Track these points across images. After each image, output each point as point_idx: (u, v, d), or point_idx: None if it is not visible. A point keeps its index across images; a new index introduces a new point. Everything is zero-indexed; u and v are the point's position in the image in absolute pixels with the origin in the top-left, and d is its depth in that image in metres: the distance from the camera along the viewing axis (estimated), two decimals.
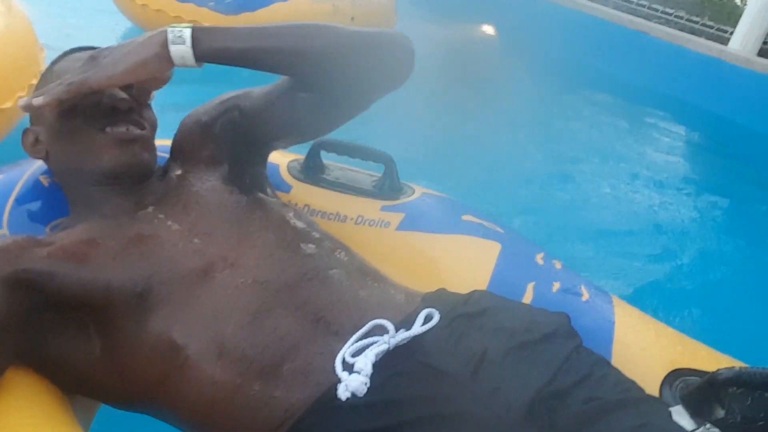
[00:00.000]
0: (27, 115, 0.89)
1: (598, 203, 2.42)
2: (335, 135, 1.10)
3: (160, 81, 0.86)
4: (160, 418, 0.76)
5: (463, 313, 0.75)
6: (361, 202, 1.04)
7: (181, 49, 0.78)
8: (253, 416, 0.69)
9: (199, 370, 0.71)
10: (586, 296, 0.91)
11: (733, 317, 1.77)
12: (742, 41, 3.69)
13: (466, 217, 1.03)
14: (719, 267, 2.13)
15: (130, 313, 0.73)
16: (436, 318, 0.72)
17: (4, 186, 0.90)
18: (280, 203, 0.91)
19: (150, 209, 0.84)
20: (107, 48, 0.82)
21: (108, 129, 0.82)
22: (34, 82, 1.47)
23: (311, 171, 1.08)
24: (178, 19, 2.39)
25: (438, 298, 0.79)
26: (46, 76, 0.88)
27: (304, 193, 1.05)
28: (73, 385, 0.76)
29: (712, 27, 3.95)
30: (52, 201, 0.91)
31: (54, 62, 0.90)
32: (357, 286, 0.78)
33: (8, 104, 1.32)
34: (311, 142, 1.08)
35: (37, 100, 0.80)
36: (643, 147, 3.14)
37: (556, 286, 0.92)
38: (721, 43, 3.80)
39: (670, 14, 4.16)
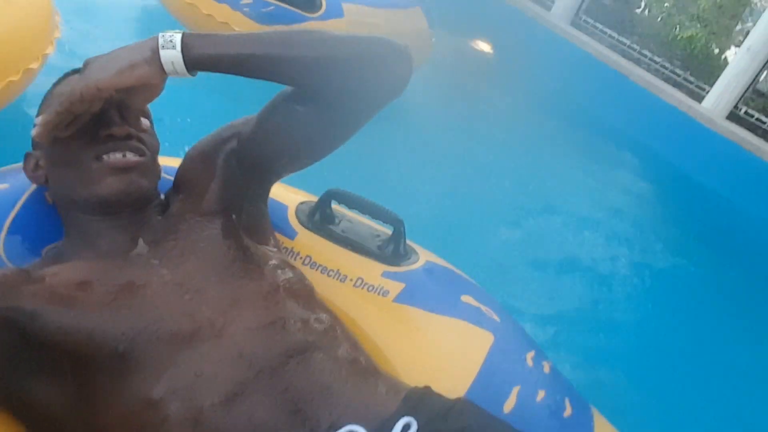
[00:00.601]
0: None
1: (543, 240, 2.46)
2: (349, 186, 1.09)
3: (150, 91, 0.80)
4: None
5: (442, 429, 0.74)
6: (364, 264, 1.03)
7: (171, 54, 0.76)
8: None
9: None
10: (568, 411, 0.91)
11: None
12: (715, 101, 3.72)
13: (465, 298, 1.02)
14: (648, 323, 2.19)
15: (108, 368, 0.72)
16: (414, 429, 0.72)
17: (5, 199, 0.88)
18: (279, 264, 0.89)
19: (145, 251, 0.83)
20: (98, 55, 0.79)
21: (104, 157, 0.80)
22: (48, 52, 1.42)
23: (320, 219, 1.06)
24: (210, 18, 2.33)
25: (420, 402, 0.77)
26: (47, 99, 0.86)
27: (308, 243, 1.03)
28: (42, 430, 0.76)
29: (692, 82, 4.00)
30: (53, 219, 0.89)
31: (54, 84, 0.88)
32: (342, 378, 0.77)
33: (16, 77, 1.27)
34: (323, 190, 1.06)
35: (34, 131, 0.79)
36: (604, 189, 3.19)
37: (541, 394, 0.91)
38: (698, 99, 3.84)
39: (657, 62, 4.20)
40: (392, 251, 1.04)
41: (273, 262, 0.87)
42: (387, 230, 1.09)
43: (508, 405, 0.89)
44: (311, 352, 0.77)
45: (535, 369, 0.95)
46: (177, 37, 0.76)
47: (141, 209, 0.85)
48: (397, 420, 0.72)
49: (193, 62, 0.77)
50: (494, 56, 4.48)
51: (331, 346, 0.79)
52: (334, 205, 1.09)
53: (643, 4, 4.80)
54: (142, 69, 0.76)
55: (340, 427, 0.70)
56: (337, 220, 1.08)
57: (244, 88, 1.12)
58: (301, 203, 1.09)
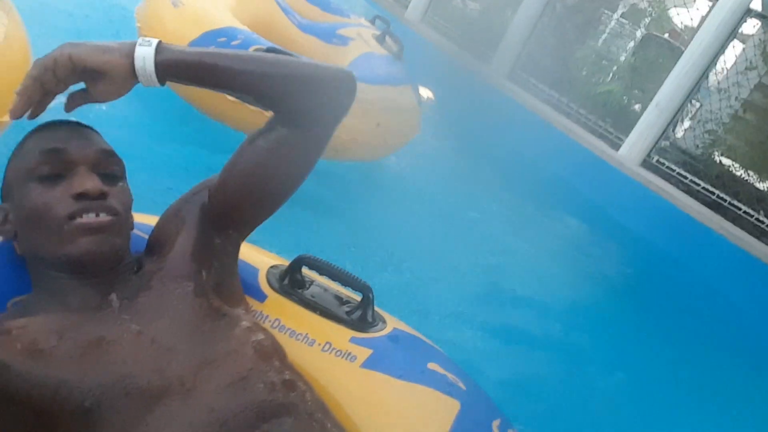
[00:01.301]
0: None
1: (498, 291, 2.53)
2: (319, 251, 1.11)
3: (114, 85, 0.83)
4: None
5: None
6: (332, 329, 1.03)
7: (145, 50, 0.82)
8: None
9: None
10: None
11: None
12: (629, 150, 4.04)
13: (431, 365, 1.03)
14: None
15: (74, 425, 0.70)
16: None
17: None
18: (250, 326, 0.88)
19: (117, 307, 0.82)
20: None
21: (78, 217, 0.80)
22: None
23: (290, 284, 1.07)
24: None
25: None
26: (28, 142, 0.86)
27: (277, 306, 1.04)
28: None
29: (611, 133, 4.36)
30: (20, 271, 0.88)
31: (38, 127, 0.87)
32: None
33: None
34: (295, 256, 1.08)
35: (11, 105, 0.80)
36: (542, 232, 3.33)
37: None
38: (615, 148, 4.18)
39: (582, 114, 4.57)
40: (360, 317, 1.05)
41: (244, 323, 0.87)
42: (356, 297, 1.11)
43: None
44: (283, 416, 0.76)
45: None
46: (155, 41, 0.83)
47: (113, 267, 0.85)
48: None
49: (163, 64, 0.82)
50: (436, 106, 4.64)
51: (302, 411, 0.79)
52: (305, 270, 1.11)
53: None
54: (113, 55, 0.81)
55: None
56: (307, 285, 1.09)
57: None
58: (272, 267, 1.10)
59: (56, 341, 0.74)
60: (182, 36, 2.23)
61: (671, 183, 3.91)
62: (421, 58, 4.19)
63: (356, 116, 2.28)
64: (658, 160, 4.02)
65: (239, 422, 0.73)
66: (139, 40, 0.83)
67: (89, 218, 0.81)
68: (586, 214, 3.70)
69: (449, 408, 0.96)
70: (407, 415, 0.95)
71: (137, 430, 0.71)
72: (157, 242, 0.93)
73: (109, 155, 0.88)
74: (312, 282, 1.11)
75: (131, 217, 0.91)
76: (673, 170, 3.98)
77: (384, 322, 1.09)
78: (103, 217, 0.82)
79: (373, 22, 3.17)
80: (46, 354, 0.73)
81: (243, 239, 0.99)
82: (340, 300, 1.10)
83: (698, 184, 3.92)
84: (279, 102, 0.90)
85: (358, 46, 2.82)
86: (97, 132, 0.91)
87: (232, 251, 0.98)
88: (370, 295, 1.06)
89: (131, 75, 0.82)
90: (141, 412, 0.72)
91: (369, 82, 2.45)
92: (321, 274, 1.08)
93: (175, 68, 0.84)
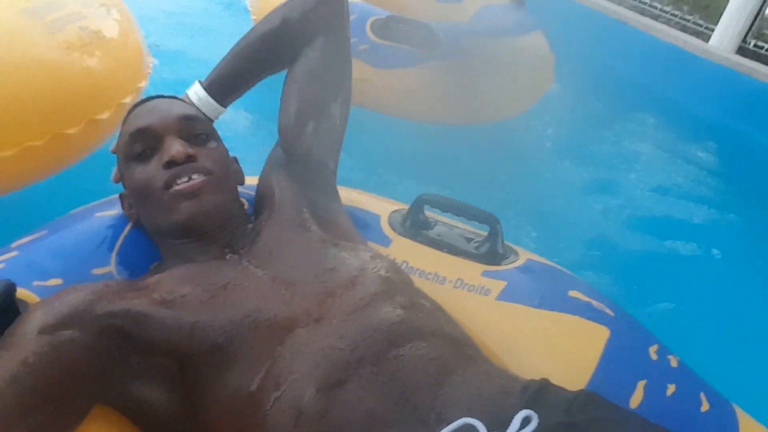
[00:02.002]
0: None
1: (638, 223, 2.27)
2: (441, 190, 1.07)
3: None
4: None
5: (565, 421, 0.67)
6: (462, 265, 0.99)
7: (194, 88, 0.99)
8: None
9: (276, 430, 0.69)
10: (705, 406, 0.81)
11: None
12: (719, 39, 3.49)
13: (572, 293, 0.95)
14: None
15: (211, 363, 0.72)
16: (534, 423, 0.65)
17: (115, 223, 0.92)
18: (372, 255, 0.87)
19: (237, 255, 0.85)
20: None
21: (173, 187, 0.83)
22: (142, 84, 1.52)
23: (413, 225, 1.05)
24: None
25: (539, 395, 0.71)
26: (123, 128, 0.92)
27: (403, 249, 1.01)
28: (154, 430, 0.76)
29: (701, 25, 3.77)
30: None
31: (129, 112, 0.94)
32: (451, 367, 0.73)
33: (106, 114, 1.34)
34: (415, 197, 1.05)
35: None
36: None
37: (671, 389, 0.82)
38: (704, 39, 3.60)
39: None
40: (490, 250, 1.00)
41: (362, 253, 0.86)
42: (482, 233, 1.06)
43: (635, 400, 0.81)
44: (415, 340, 0.73)
45: (660, 363, 0.86)
46: (197, 82, 1.00)
47: (225, 223, 0.88)
48: (516, 413, 0.66)
49: (209, 85, 0.98)
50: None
51: (435, 334, 0.75)
52: (427, 212, 1.08)
53: None
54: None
55: (452, 420, 0.65)
56: (431, 225, 1.06)
57: None
58: (394, 212, 1.08)
59: (187, 290, 0.77)
60: None
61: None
62: None
63: (487, 74, 2.14)
64: (756, 44, 3.47)
65: (370, 346, 0.71)
66: (187, 89, 0.99)
67: (183, 184, 0.83)
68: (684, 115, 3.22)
69: (597, 335, 0.89)
70: (551, 345, 0.89)
71: (269, 361, 0.71)
72: (261, 197, 0.98)
73: (191, 119, 0.90)
74: (436, 222, 1.08)
75: (232, 172, 0.94)
76: None
77: (516, 254, 1.03)
78: (196, 179, 0.84)
79: None
80: (178, 302, 0.76)
81: (332, 173, 1.02)
82: (467, 237, 1.05)
83: None
84: (280, 47, 1.01)
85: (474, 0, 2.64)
86: (178, 98, 0.96)
87: (326, 187, 1.01)
88: (498, 227, 1.00)
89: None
90: (272, 344, 0.72)
91: (495, 36, 2.26)
92: (444, 211, 1.04)
93: (224, 87, 0.99)
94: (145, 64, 1.56)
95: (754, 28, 3.49)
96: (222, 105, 0.99)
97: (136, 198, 0.89)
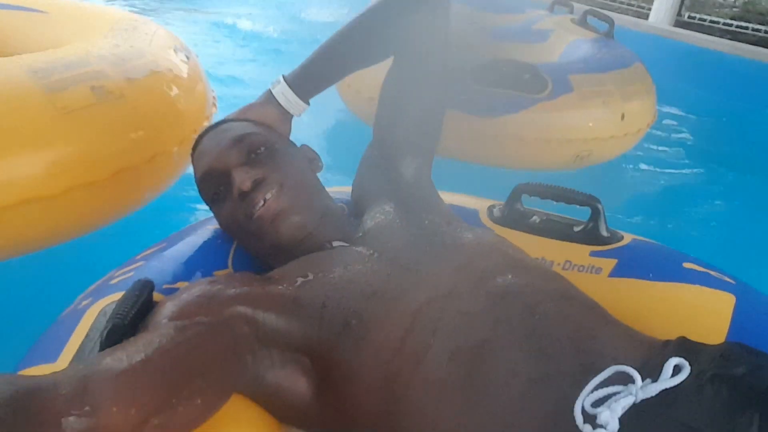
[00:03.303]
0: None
1: None
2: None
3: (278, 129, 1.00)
4: None
5: (721, 370, 0.65)
6: (568, 248, 0.99)
7: (280, 88, 1.01)
8: None
9: (420, 405, 0.68)
10: None
11: None
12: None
13: (687, 265, 0.93)
14: None
15: (344, 346, 0.72)
16: (686, 371, 0.63)
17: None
18: (483, 231, 0.89)
19: (350, 243, 0.87)
20: None
21: (255, 215, 0.85)
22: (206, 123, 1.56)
23: (512, 216, 1.05)
24: None
25: (684, 347, 0.69)
26: (192, 158, 0.95)
27: (505, 238, 1.01)
28: (289, 417, 0.77)
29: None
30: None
31: (197, 142, 0.96)
32: (588, 325, 0.72)
33: (175, 148, 1.35)
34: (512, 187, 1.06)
35: None
36: None
37: None
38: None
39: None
40: (594, 232, 0.99)
41: (476, 231, 0.87)
42: (583, 221, 1.05)
43: None
44: (546, 302, 0.72)
45: None
46: (279, 78, 1.02)
47: (323, 218, 0.90)
48: (666, 360, 0.64)
49: (300, 87, 1.00)
50: None
51: (565, 296, 0.75)
52: (526, 207, 1.08)
53: None
54: (260, 109, 1.00)
55: (600, 370, 0.64)
56: (530, 216, 1.06)
57: None
58: (490, 206, 1.09)
59: (310, 276, 0.79)
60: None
61: None
62: None
63: (597, 112, 1.94)
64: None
65: (503, 310, 0.70)
66: (270, 86, 1.02)
67: (260, 209, 0.85)
68: None
69: (723, 301, 0.86)
70: (676, 314, 0.86)
71: (404, 335, 0.71)
72: (360, 196, 1.02)
73: (243, 140, 0.89)
74: (534, 213, 1.08)
75: (306, 164, 0.96)
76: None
77: (620, 236, 1.02)
78: (270, 197, 0.85)
79: (551, 9, 2.79)
80: (304, 287, 0.77)
81: (426, 165, 1.04)
82: (569, 223, 1.05)
83: None
84: (386, 44, 1.02)
85: (561, 36, 2.48)
86: (227, 125, 0.95)
87: (422, 179, 1.02)
88: (600, 207, 1.00)
89: (284, 114, 1.00)
90: (403, 320, 0.72)
91: (601, 71, 2.07)
92: (543, 198, 1.04)
93: (309, 83, 1.01)
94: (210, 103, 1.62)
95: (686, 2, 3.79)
96: (305, 101, 1.01)
97: (231, 234, 0.94)
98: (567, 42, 2.40)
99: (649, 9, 4.08)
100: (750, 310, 0.84)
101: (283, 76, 1.01)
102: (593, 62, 2.15)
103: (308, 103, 1.03)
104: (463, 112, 1.80)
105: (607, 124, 1.96)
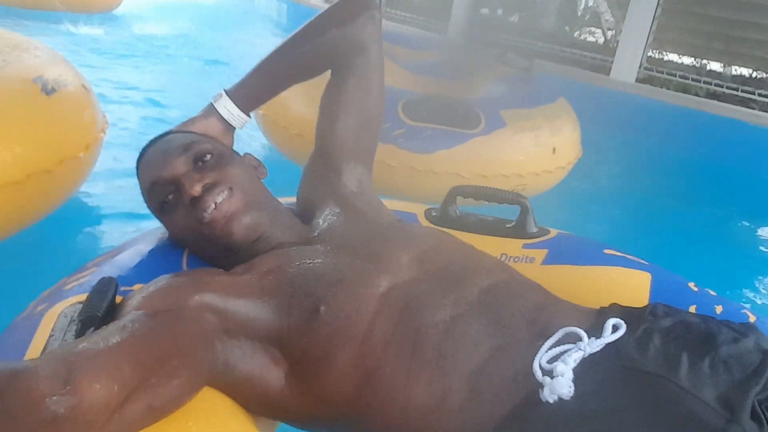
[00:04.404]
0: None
1: None
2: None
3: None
4: None
5: (652, 324, 0.75)
6: (502, 242, 1.08)
7: (223, 102, 1.01)
8: (447, 424, 0.70)
9: (392, 378, 0.73)
10: (752, 318, 0.89)
11: None
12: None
13: (607, 251, 1.05)
14: None
15: (314, 331, 0.76)
16: (624, 326, 0.73)
17: None
18: (432, 229, 0.97)
19: (308, 242, 0.91)
20: None
21: (206, 218, 0.86)
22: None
23: (448, 217, 1.13)
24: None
25: (618, 310, 0.79)
26: (138, 169, 0.95)
27: None
28: (261, 407, 0.78)
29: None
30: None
31: (141, 153, 0.96)
32: (539, 300, 0.81)
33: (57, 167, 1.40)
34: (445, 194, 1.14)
35: None
36: None
37: (719, 309, 0.91)
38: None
39: None
40: (525, 227, 1.09)
41: (426, 228, 0.95)
42: (512, 220, 1.15)
43: None
44: (501, 284, 0.81)
45: (702, 292, 0.95)
46: (221, 92, 1.02)
47: (274, 217, 0.93)
48: (605, 321, 0.73)
49: (242, 100, 1.01)
50: None
51: (513, 275, 0.84)
52: (459, 211, 1.16)
53: None
54: (202, 122, 1.00)
55: (552, 335, 0.72)
56: (466, 217, 1.15)
57: None
58: (428, 209, 1.16)
59: (275, 268, 0.82)
60: None
61: None
62: None
63: (530, 146, 1.99)
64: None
65: (462, 290, 0.79)
66: (212, 100, 1.02)
67: (212, 213, 0.86)
68: None
69: (641, 279, 0.97)
70: (604, 292, 0.96)
71: (372, 318, 0.76)
72: (305, 202, 1.05)
73: (190, 148, 0.91)
74: (468, 215, 1.16)
75: (252, 170, 0.98)
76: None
77: (547, 230, 1.12)
78: (222, 201, 0.87)
79: (504, 61, 2.73)
80: (270, 279, 0.80)
81: (368, 171, 1.08)
82: (501, 222, 1.14)
83: None
84: (323, 57, 1.05)
85: (482, 72, 2.54)
86: (172, 136, 0.96)
87: (364, 184, 1.06)
88: (528, 204, 1.10)
89: (227, 127, 1.01)
90: (369, 304, 0.77)
91: (529, 106, 2.14)
92: (477, 198, 1.13)
93: (250, 95, 1.02)
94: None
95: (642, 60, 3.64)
96: (246, 114, 1.02)
97: (182, 242, 0.94)
98: (489, 78, 2.46)
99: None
100: (664, 284, 0.96)
101: (225, 90, 1.02)
102: (521, 98, 2.19)
103: (250, 116, 1.04)
104: (399, 147, 1.81)
105: (540, 159, 2.02)
